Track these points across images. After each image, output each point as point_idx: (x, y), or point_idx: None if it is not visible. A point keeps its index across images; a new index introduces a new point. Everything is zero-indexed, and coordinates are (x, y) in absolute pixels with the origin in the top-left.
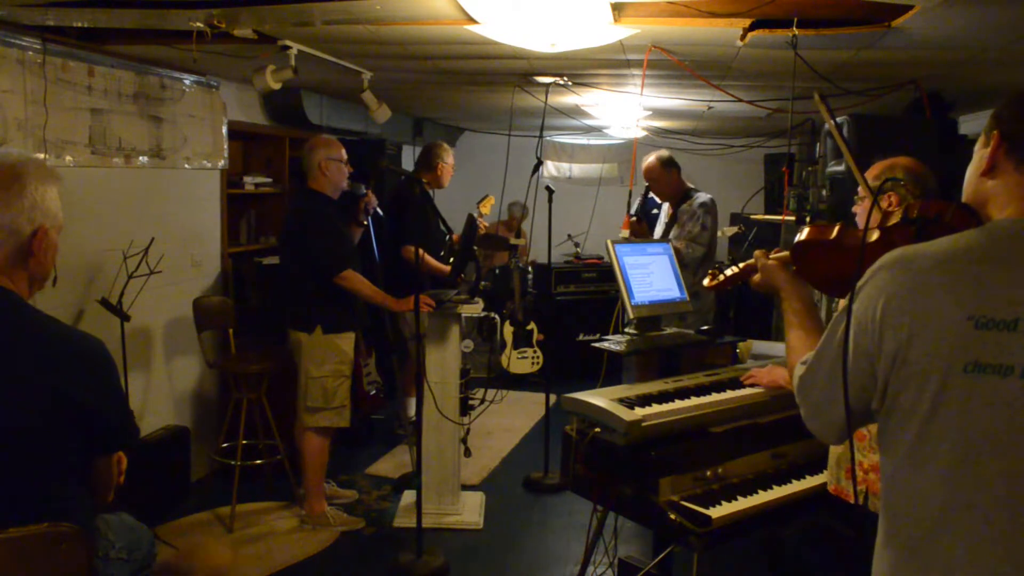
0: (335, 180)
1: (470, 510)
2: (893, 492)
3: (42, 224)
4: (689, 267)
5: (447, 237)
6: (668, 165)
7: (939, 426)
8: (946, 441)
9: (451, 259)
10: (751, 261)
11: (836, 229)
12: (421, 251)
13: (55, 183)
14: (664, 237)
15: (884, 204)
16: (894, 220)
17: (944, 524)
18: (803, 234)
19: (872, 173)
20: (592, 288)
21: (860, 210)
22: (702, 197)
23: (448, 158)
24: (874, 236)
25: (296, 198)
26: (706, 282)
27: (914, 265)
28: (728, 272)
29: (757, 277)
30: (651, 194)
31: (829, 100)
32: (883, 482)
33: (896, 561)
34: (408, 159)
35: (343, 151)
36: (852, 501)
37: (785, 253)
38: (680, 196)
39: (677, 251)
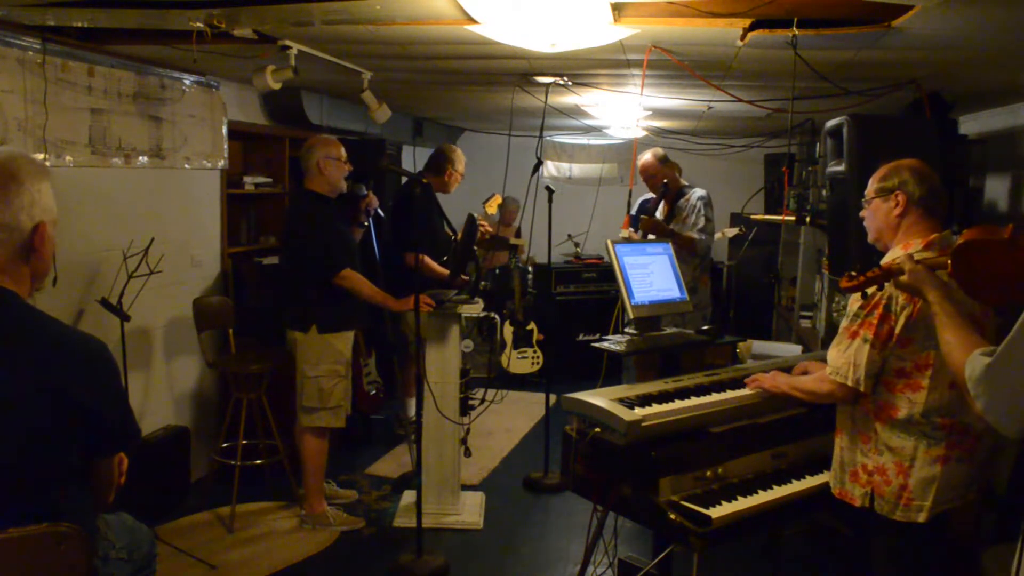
0: (333, 179)
1: (470, 510)
2: None
3: (41, 219)
4: (700, 254)
5: (453, 239)
6: (664, 161)
7: None
8: None
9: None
10: (897, 264)
11: (1009, 229)
12: (423, 256)
13: (47, 177)
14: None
15: (892, 203)
16: None
17: None
18: (969, 234)
19: (878, 175)
20: (592, 288)
21: (868, 214)
22: (699, 191)
23: (459, 165)
24: None
25: (294, 199)
26: (843, 283)
27: None
28: (869, 273)
29: (904, 278)
30: (647, 195)
31: (829, 99)
32: None
33: None
34: (408, 159)
35: (342, 150)
36: (857, 504)
37: (931, 257)
38: (675, 192)
39: (691, 240)
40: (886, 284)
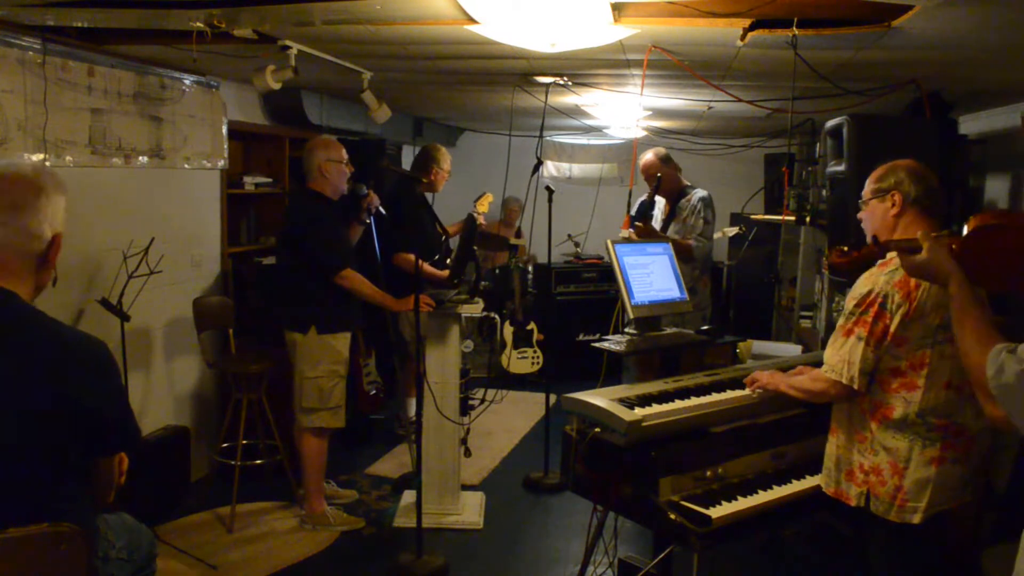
0: (335, 182)
1: (470, 510)
2: None
3: (58, 232)
4: (698, 261)
5: (443, 239)
6: (666, 161)
7: None
8: None
9: (448, 261)
10: (911, 240)
11: None
12: (413, 257)
13: (65, 193)
14: (663, 233)
15: (888, 204)
16: None
17: None
18: (983, 218)
19: (875, 176)
20: (592, 288)
21: (865, 215)
22: (700, 192)
23: (444, 163)
24: None
25: (295, 199)
26: (833, 258)
27: None
28: (864, 250)
29: (920, 257)
30: (646, 195)
31: (829, 99)
32: None
33: None
34: (408, 159)
35: (343, 152)
36: (852, 504)
37: (945, 236)
38: (677, 192)
39: (688, 248)
40: (883, 282)
